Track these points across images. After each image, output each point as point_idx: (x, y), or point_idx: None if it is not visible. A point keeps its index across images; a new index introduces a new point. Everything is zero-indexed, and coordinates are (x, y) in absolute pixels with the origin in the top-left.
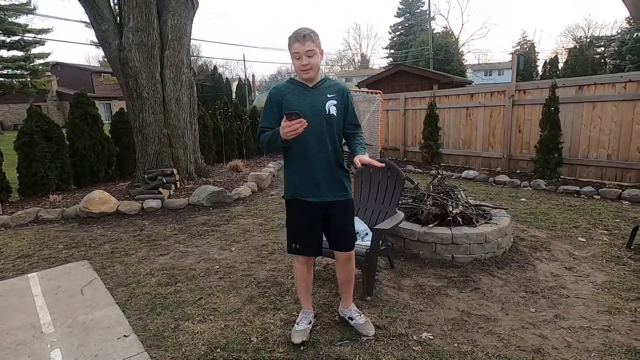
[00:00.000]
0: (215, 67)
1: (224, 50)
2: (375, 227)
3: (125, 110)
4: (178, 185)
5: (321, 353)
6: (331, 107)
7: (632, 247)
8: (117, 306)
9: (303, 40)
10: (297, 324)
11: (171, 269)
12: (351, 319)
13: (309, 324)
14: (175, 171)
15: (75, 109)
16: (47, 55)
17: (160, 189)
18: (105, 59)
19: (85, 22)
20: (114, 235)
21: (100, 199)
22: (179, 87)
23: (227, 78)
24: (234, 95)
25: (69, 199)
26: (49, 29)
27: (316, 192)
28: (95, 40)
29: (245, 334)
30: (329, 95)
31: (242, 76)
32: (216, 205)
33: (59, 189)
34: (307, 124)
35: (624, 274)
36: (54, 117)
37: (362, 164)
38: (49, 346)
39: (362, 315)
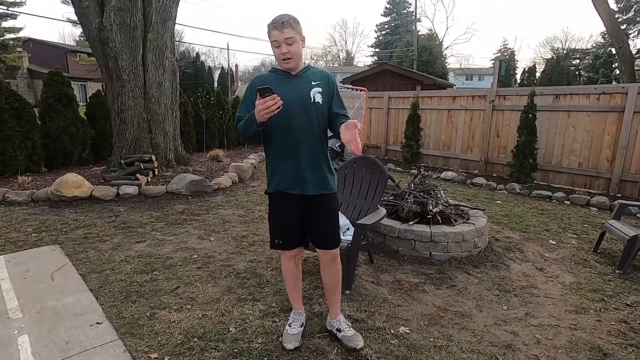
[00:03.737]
0: (197, 54)
1: (207, 37)
2: (357, 222)
3: (103, 92)
4: (156, 172)
5: (300, 345)
6: (316, 94)
7: (598, 251)
8: (90, 293)
9: (281, 28)
10: (290, 326)
11: (147, 257)
12: (339, 330)
13: (301, 326)
14: (154, 157)
15: (49, 88)
16: (18, 30)
17: (138, 175)
18: (83, 38)
19: None
20: (87, 220)
21: (73, 183)
22: (162, 71)
23: (209, 66)
24: (215, 84)
25: (39, 181)
26: (21, 2)
27: (300, 184)
28: (72, 17)
29: (224, 324)
30: (313, 83)
31: (225, 65)
32: (195, 195)
33: (28, 171)
34: (281, 101)
35: (591, 276)
36: (24, 96)
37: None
38: (15, 332)
39: (351, 328)
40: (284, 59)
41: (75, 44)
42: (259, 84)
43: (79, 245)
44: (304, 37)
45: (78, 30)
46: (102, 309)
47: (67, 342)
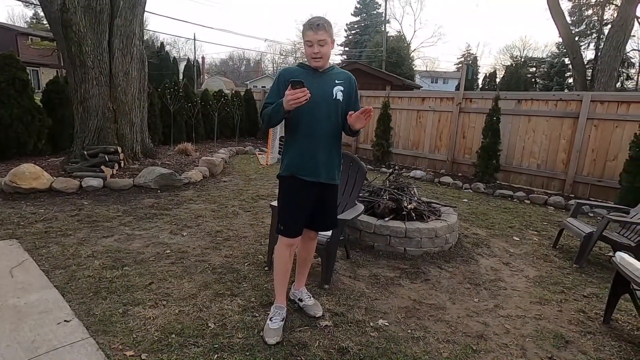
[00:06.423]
0: (162, 43)
1: (173, 26)
2: (337, 217)
3: (60, 79)
4: (122, 165)
5: (282, 339)
6: (338, 92)
7: (557, 247)
8: (55, 289)
9: (316, 30)
10: (271, 320)
11: (116, 252)
12: (301, 300)
13: (282, 320)
14: (119, 149)
15: (1, 72)
16: None
17: (102, 167)
18: (35, 20)
19: None
20: (47, 213)
21: (31, 174)
22: (129, 59)
23: (174, 57)
24: (181, 76)
25: None
26: None
27: (314, 172)
28: None
29: (202, 319)
30: (337, 81)
31: (192, 57)
32: (165, 189)
33: None
34: (309, 94)
35: (551, 269)
36: None
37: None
38: None
39: (312, 298)
40: (314, 58)
41: (26, 26)
42: (286, 76)
43: (39, 240)
44: (334, 39)
45: (30, 12)
46: (70, 306)
47: (33, 341)
